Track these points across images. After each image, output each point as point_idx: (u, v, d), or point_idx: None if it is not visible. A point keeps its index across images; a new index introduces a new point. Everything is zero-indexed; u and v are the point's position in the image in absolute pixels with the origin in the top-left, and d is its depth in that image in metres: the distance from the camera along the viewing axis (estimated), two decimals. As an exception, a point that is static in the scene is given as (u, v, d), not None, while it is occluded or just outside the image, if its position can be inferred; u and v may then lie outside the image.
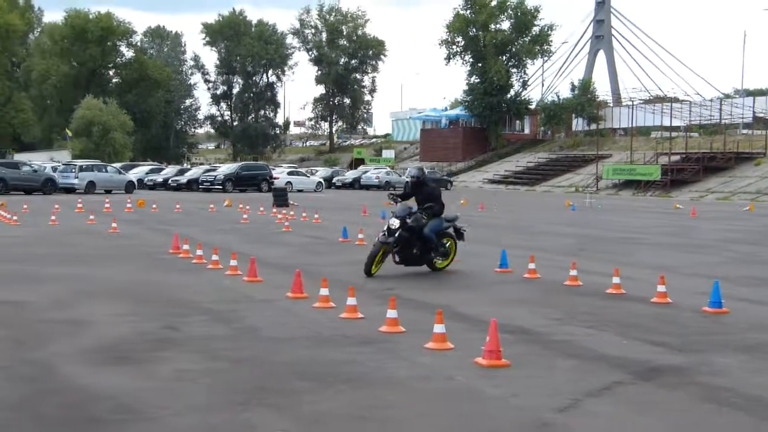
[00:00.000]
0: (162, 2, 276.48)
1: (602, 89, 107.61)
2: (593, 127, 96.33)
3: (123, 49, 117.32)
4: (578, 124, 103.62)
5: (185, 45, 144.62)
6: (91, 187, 55.94)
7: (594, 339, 11.20)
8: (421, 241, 17.36)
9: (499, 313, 12.35)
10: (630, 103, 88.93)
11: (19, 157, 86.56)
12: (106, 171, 59.82)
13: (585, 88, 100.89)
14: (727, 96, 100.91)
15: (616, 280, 15.38)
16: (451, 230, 18.39)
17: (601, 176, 77.11)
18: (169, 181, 66.98)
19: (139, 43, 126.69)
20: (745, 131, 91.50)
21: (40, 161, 72.07)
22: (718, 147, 77.47)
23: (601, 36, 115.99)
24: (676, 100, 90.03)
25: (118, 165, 67.17)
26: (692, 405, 8.27)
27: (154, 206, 40.02)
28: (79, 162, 61.95)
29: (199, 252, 19.16)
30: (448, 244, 18.16)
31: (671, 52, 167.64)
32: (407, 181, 19.59)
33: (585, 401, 8.22)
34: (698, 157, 73.89)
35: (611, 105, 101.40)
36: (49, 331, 11.18)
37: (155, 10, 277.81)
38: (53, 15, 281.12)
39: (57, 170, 58.73)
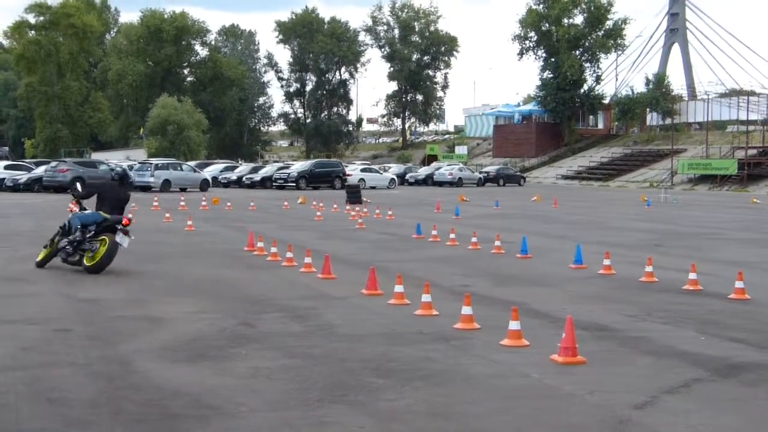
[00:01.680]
0: (235, 1, 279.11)
1: (677, 83, 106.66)
2: (668, 121, 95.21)
3: (197, 48, 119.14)
4: (653, 118, 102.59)
5: (258, 43, 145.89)
6: (166, 186, 56.52)
7: (671, 335, 11.08)
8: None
9: (575, 310, 12.29)
10: (705, 96, 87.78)
11: (96, 156, 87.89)
12: (181, 169, 60.32)
13: (659, 82, 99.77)
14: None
15: (692, 276, 15.17)
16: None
17: (676, 171, 76.14)
18: (243, 179, 67.40)
19: (213, 42, 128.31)
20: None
21: (116, 160, 73.08)
22: (797, 141, 76.05)
23: (676, 29, 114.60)
24: (752, 93, 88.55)
25: (192, 163, 67.70)
26: (773, 403, 8.15)
27: (228, 204, 40.38)
28: (155, 160, 62.69)
29: (273, 249, 19.28)
30: (98, 242, 16.43)
31: (748, 45, 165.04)
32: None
33: (663, 398, 8.14)
34: (776, 151, 72.65)
35: (686, 99, 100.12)
36: (127, 328, 11.33)
37: (229, 8, 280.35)
38: (129, 15, 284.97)
39: (133, 169, 59.50)
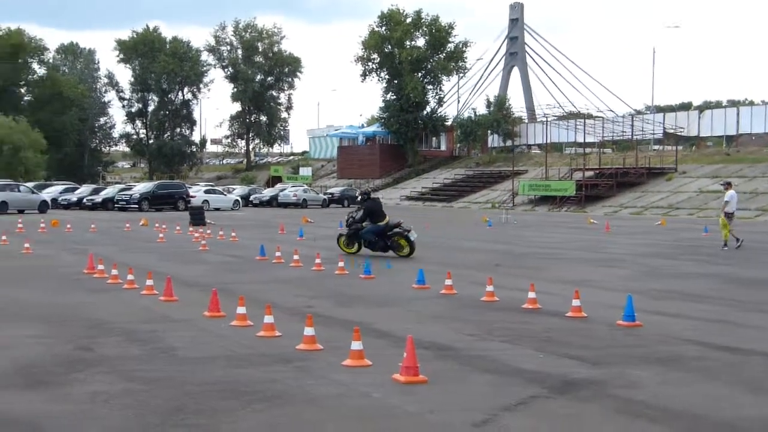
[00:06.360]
0: (75, 19, 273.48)
1: (517, 105, 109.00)
2: (509, 143, 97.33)
3: (35, 66, 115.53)
4: (494, 140, 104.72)
5: (99, 62, 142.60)
6: (3, 208, 54.80)
7: (510, 354, 11.29)
8: None
9: (417, 330, 12.41)
10: (544, 119, 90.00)
11: None
12: (19, 190, 58.62)
13: (500, 104, 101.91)
14: (639, 112, 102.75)
15: (531, 295, 15.52)
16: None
17: (517, 192, 77.77)
18: (84, 201, 65.98)
19: (51, 60, 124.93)
20: (656, 147, 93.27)
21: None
22: (631, 162, 78.66)
23: (515, 53, 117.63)
24: (589, 116, 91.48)
25: (31, 184, 65.93)
26: (606, 417, 8.37)
27: (68, 226, 39.44)
28: (-9, 182, 60.75)
29: (114, 272, 18.92)
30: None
31: (584, 69, 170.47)
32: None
33: (501, 416, 8.28)
34: (611, 173, 74.96)
35: (526, 121, 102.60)
36: (-40, 354, 10.94)
37: (68, 27, 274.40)
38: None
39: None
